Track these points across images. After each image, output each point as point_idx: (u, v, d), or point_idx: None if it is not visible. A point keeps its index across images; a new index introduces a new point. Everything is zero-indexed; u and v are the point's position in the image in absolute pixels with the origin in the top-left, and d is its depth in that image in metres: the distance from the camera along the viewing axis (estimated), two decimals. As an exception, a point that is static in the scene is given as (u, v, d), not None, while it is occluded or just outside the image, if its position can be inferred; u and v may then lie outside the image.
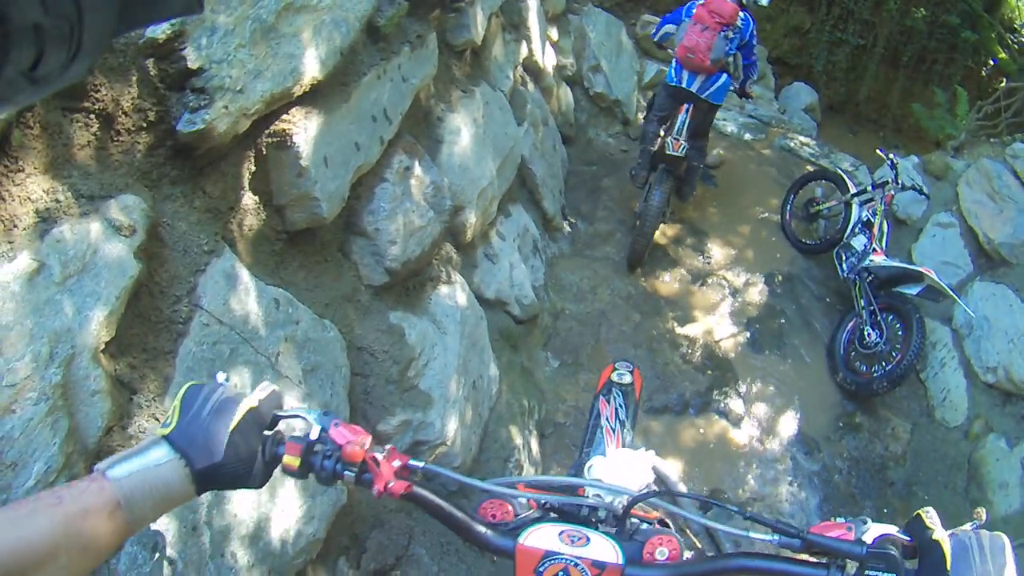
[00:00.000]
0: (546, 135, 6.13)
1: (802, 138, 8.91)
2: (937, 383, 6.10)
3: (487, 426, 4.10)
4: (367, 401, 3.21)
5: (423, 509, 1.31)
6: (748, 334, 6.14)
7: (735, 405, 5.52)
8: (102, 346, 1.84)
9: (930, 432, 5.90)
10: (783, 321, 6.35)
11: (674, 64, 5.92)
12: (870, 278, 6.08)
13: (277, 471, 1.23)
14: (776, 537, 1.22)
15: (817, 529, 1.21)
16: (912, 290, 5.83)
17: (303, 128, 2.68)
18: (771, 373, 5.90)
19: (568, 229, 6.40)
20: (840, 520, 1.23)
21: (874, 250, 6.17)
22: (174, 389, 2.04)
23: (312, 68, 2.65)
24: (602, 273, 6.10)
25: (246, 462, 1.13)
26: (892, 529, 1.17)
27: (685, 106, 5.93)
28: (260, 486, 1.19)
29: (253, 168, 2.61)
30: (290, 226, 2.81)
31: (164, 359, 2.10)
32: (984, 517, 1.12)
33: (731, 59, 5.94)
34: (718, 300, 6.33)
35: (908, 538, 1.15)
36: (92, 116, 1.96)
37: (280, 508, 2.45)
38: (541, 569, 1.24)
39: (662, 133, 6.15)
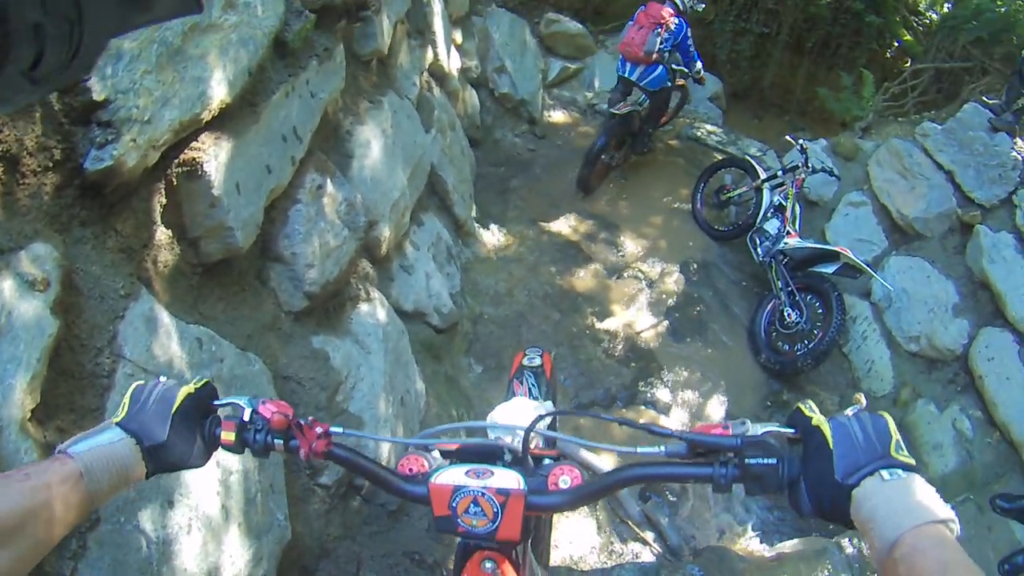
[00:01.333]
0: (454, 140, 6.09)
1: (708, 126, 9.00)
2: (860, 355, 6.26)
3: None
4: (299, 433, 3.16)
5: (345, 466, 1.46)
6: (668, 323, 6.22)
7: (662, 394, 5.60)
8: (28, 414, 1.77)
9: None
10: (702, 308, 6.45)
11: (620, 58, 7.00)
12: (786, 260, 6.22)
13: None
14: (663, 448, 1.29)
15: (698, 430, 1.27)
16: (828, 268, 6.01)
17: (214, 155, 2.60)
18: (694, 360, 5.99)
19: (481, 232, 6.38)
20: (719, 423, 1.28)
21: (788, 233, 6.33)
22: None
23: (220, 91, 2.58)
24: (517, 274, 6.11)
25: (187, 441, 1.27)
26: (773, 425, 1.21)
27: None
28: (201, 465, 1.32)
29: (164, 201, 2.53)
30: (205, 259, 2.73)
31: (93, 416, 2.04)
32: (863, 402, 1.19)
33: (667, 54, 6.78)
34: (635, 292, 6.39)
35: (792, 430, 1.18)
36: (-5, 159, 1.87)
37: (228, 555, 2.39)
38: (454, 504, 1.36)
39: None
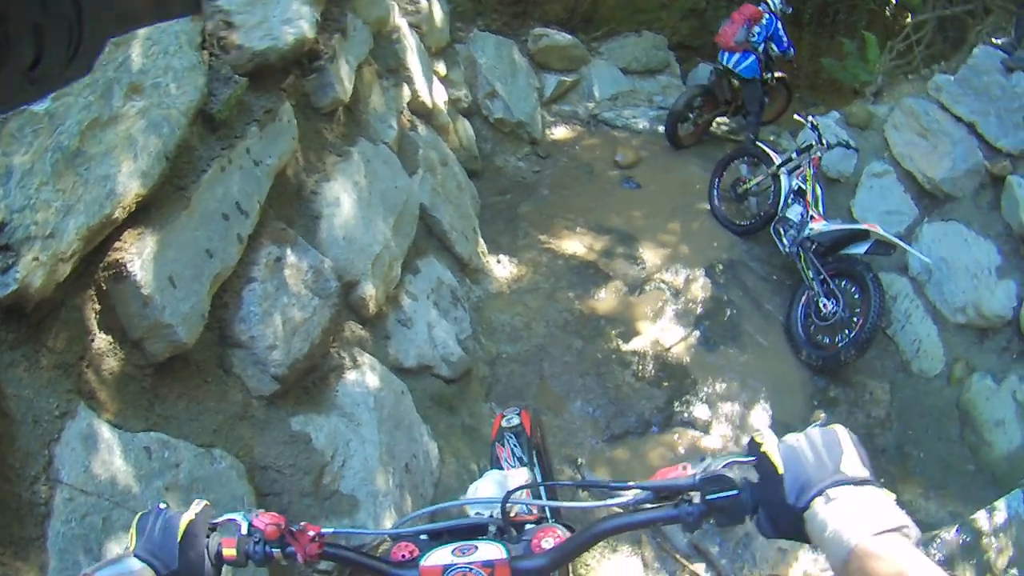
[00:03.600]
0: (447, 176, 5.94)
1: (717, 118, 8.81)
2: (906, 335, 6.02)
3: (434, 498, 3.92)
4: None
5: (340, 563, 1.57)
6: (698, 333, 5.99)
7: (700, 412, 5.38)
8: (-33, 558, 1.65)
9: (910, 387, 5.82)
10: (733, 311, 6.21)
11: (720, 51, 8.07)
12: (814, 247, 6.00)
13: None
14: (631, 498, 1.36)
15: (656, 476, 1.32)
16: (860, 249, 5.77)
17: (137, 252, 2.46)
18: (731, 368, 5.76)
19: (490, 267, 6.23)
20: (679, 465, 1.32)
21: (812, 217, 6.12)
22: (54, 575, 1.98)
23: (132, 185, 2.43)
24: (534, 305, 5.92)
25: (197, 564, 1.33)
26: (734, 456, 1.25)
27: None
28: None
29: (99, 307, 2.41)
30: (152, 359, 2.58)
31: (34, 547, 1.95)
32: (822, 418, 1.14)
33: (760, 45, 7.77)
34: (660, 305, 6.16)
35: (752, 458, 1.21)
36: None
37: None
38: None
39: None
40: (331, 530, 1.50)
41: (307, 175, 3.91)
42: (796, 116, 6.89)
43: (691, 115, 8.35)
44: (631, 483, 1.36)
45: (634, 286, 6.33)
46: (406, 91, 5.65)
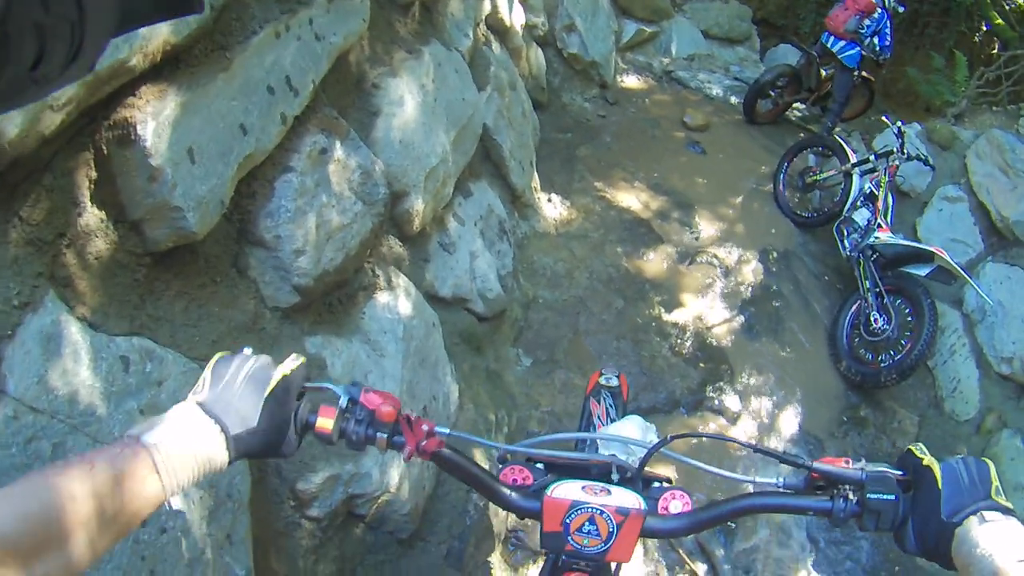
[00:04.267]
0: (514, 101, 5.24)
1: (795, 103, 8.15)
2: (946, 372, 5.45)
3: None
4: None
5: (451, 471, 1.32)
6: (742, 318, 5.37)
7: (731, 401, 4.81)
8: None
9: (939, 426, 5.28)
10: (780, 303, 5.58)
11: (824, 32, 7.45)
12: (875, 256, 5.42)
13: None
14: (781, 480, 1.25)
15: (822, 462, 1.21)
16: (921, 271, 5.20)
17: (153, 114, 1.83)
18: (769, 362, 5.16)
19: (541, 205, 5.56)
20: (841, 459, 1.23)
21: (879, 226, 5.53)
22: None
23: (161, 28, 1.79)
24: (580, 253, 5.27)
25: (280, 429, 1.12)
26: (883, 466, 1.18)
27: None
28: (290, 455, 1.18)
29: (95, 175, 1.80)
30: (152, 246, 1.96)
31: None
32: (964, 451, 0.84)
33: (866, 39, 7.12)
34: (709, 281, 5.53)
35: (901, 472, 1.16)
36: None
37: None
38: (568, 520, 1.25)
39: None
40: (446, 431, 1.29)
41: (371, 66, 3.24)
42: (884, 118, 6.24)
43: (773, 93, 7.72)
44: (801, 459, 1.23)
45: (685, 255, 5.68)
46: (487, 4, 4.96)
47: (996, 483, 1.07)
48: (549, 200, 5.66)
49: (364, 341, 2.82)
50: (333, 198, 2.65)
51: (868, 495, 1.13)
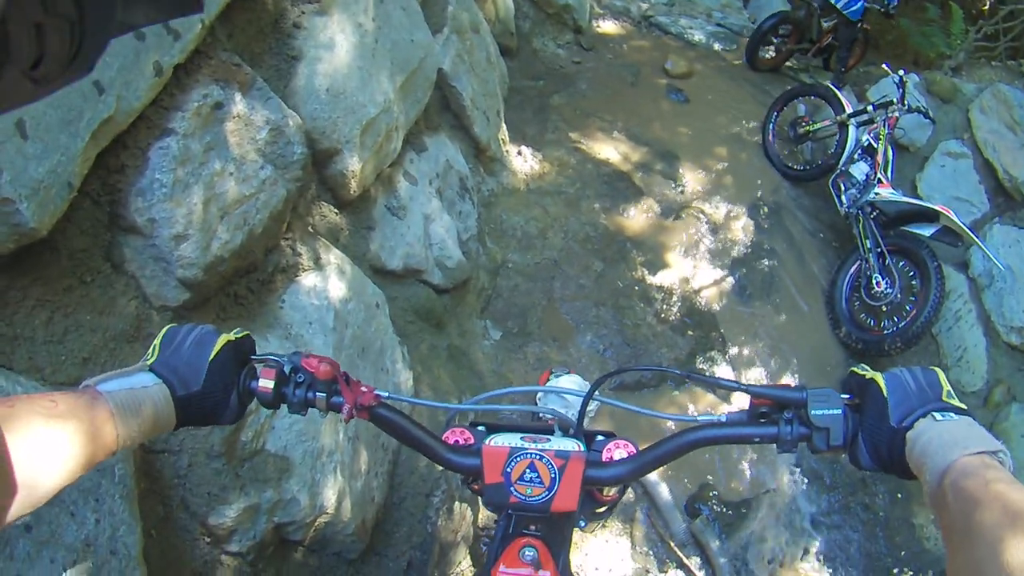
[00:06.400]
0: (477, 45, 4.58)
1: (796, 53, 7.65)
2: (951, 339, 5.04)
3: (396, 456, 2.81)
4: (185, 489, 1.87)
5: (388, 430, 1.26)
6: (733, 280, 4.89)
7: (723, 372, 4.37)
8: None
9: (944, 398, 4.83)
10: (773, 262, 5.10)
11: None
12: (875, 214, 4.99)
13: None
14: (723, 416, 1.20)
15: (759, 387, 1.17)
16: (924, 230, 4.80)
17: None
18: (763, 327, 4.70)
19: (510, 158, 4.98)
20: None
21: (879, 181, 5.08)
22: None
23: None
24: (553, 211, 4.72)
25: (223, 392, 1.11)
26: (828, 390, 1.12)
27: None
28: (232, 422, 1.16)
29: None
30: (-8, 250, 1.41)
31: None
32: None
33: None
34: (696, 238, 5.02)
35: (849, 396, 1.11)
36: None
37: None
38: (508, 469, 1.20)
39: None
40: (386, 394, 1.22)
41: (292, 3, 2.62)
42: (884, 66, 5.70)
43: (775, 40, 7.37)
44: (737, 383, 1.18)
45: (669, 210, 5.15)
46: (443, -68, 4.28)
47: (947, 387, 1.04)
48: (519, 153, 5.08)
49: (284, 336, 2.24)
50: (231, 164, 2.06)
51: (812, 411, 1.08)
